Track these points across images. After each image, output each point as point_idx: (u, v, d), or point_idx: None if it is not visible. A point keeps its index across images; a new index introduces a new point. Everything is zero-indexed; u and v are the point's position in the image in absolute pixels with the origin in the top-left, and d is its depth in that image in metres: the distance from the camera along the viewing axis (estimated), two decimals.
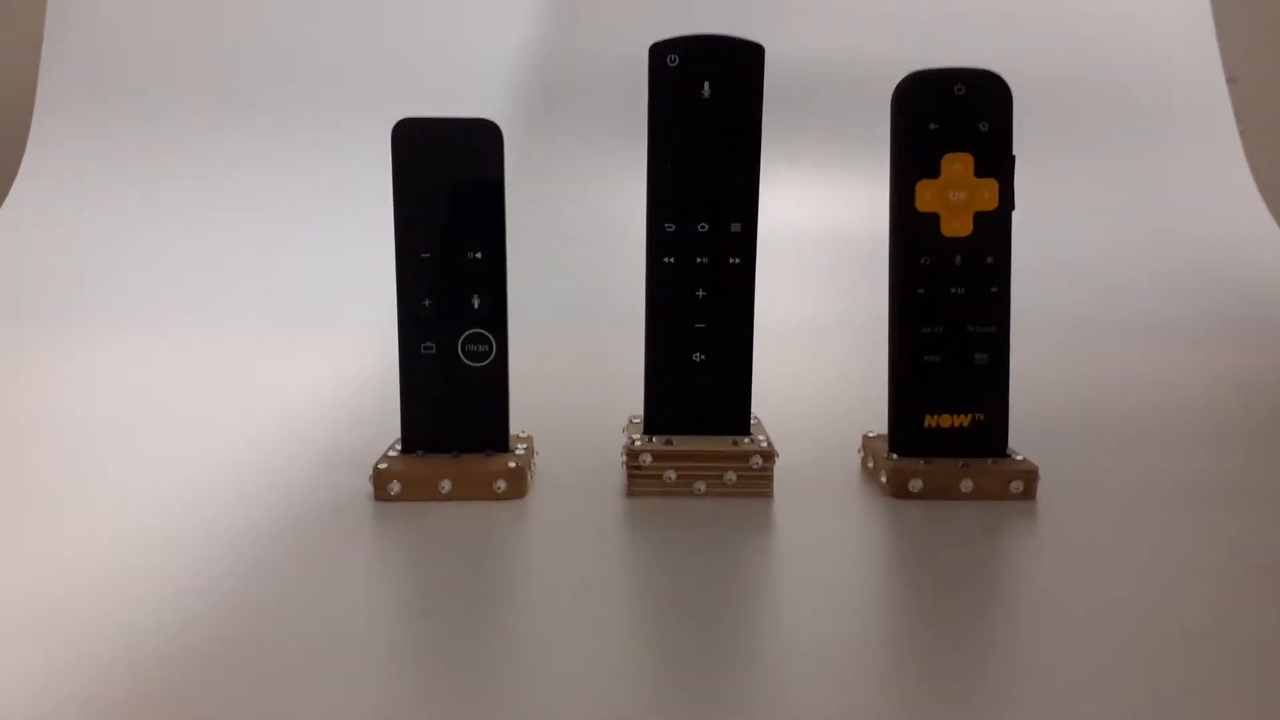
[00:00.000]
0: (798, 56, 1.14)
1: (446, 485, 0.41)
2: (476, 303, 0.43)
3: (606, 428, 0.51)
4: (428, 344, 0.43)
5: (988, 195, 0.43)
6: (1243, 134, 1.28)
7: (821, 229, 1.10)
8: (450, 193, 0.42)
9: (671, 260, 0.43)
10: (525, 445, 0.45)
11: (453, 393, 0.43)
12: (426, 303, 0.42)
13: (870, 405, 0.45)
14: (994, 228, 0.43)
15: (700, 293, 0.43)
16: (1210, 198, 1.19)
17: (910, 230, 0.44)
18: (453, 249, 0.42)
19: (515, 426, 0.45)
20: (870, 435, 0.48)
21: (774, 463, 0.43)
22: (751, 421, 0.46)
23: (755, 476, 0.42)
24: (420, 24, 1.18)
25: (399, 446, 0.44)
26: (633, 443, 0.43)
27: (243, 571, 0.34)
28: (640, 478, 0.42)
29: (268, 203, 1.11)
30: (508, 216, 0.42)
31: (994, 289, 0.44)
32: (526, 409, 0.48)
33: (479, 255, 0.42)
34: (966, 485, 0.43)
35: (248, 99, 1.16)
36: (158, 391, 0.68)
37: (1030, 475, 0.43)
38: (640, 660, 0.28)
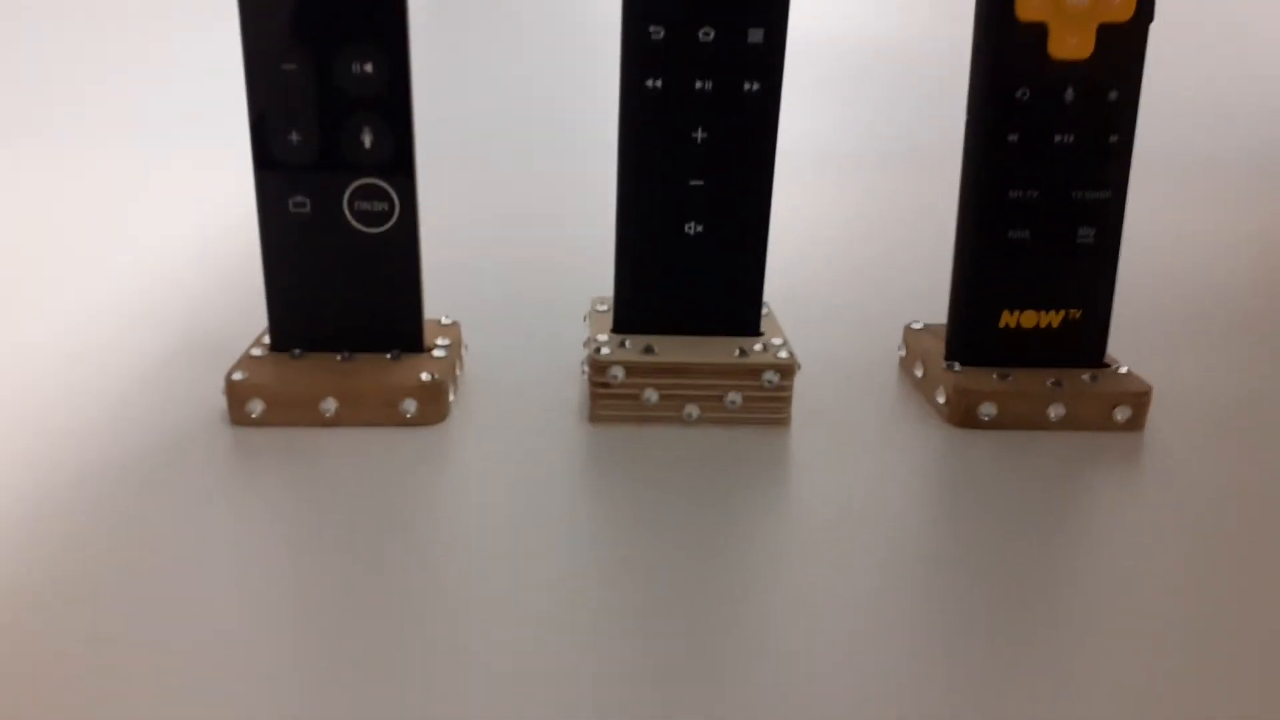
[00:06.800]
0: None
1: (331, 406, 0.29)
2: (368, 139, 0.29)
3: (560, 308, 0.39)
4: (299, 199, 0.29)
5: (1119, 0, 0.30)
6: None
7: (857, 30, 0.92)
8: None
9: (658, 84, 0.29)
10: (448, 341, 0.32)
11: (339, 269, 0.30)
12: (294, 138, 0.29)
13: (913, 268, 0.32)
14: (1124, 47, 0.30)
15: (700, 134, 0.29)
16: None
17: (1004, 49, 0.30)
18: (329, 58, 0.28)
19: (433, 308, 0.32)
20: (915, 327, 0.36)
21: (793, 379, 0.31)
22: (762, 313, 0.33)
23: (768, 399, 0.30)
24: None
25: (267, 340, 0.31)
26: (597, 350, 0.30)
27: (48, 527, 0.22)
28: (608, 399, 0.30)
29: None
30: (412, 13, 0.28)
31: (1114, 138, 0.31)
32: (447, 280, 0.35)
33: (368, 68, 0.28)
34: (1056, 412, 0.31)
35: None
36: None
37: (1140, 399, 0.31)
38: (609, 670, 0.19)
